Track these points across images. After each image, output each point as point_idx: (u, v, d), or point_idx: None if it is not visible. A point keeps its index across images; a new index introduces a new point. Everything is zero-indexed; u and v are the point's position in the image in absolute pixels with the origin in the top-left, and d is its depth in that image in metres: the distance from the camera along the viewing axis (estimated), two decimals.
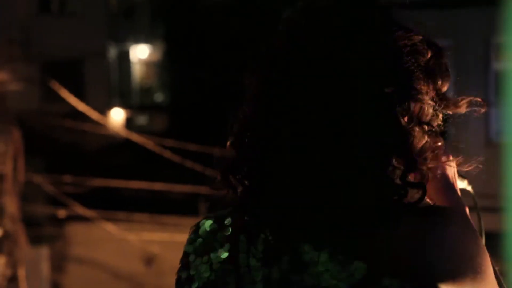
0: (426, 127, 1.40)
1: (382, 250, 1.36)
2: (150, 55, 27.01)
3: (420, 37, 1.41)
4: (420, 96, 1.39)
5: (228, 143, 1.47)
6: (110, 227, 13.03)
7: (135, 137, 10.70)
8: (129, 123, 24.17)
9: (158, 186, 12.69)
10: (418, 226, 1.36)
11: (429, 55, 1.40)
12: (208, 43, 22.41)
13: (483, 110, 1.45)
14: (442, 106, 1.42)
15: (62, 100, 14.48)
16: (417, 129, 1.38)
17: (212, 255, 1.44)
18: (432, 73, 1.41)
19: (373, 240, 1.36)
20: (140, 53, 26.96)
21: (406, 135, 1.37)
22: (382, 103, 1.37)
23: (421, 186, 1.37)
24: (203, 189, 11.65)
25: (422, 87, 1.39)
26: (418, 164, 1.38)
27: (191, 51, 23.11)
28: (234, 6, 22.65)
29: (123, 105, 25.28)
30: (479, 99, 1.44)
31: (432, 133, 1.40)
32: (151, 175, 13.76)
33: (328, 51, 1.37)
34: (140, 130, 19.18)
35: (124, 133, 15.81)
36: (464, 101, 1.45)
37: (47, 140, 19.12)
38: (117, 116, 24.38)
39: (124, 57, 26.36)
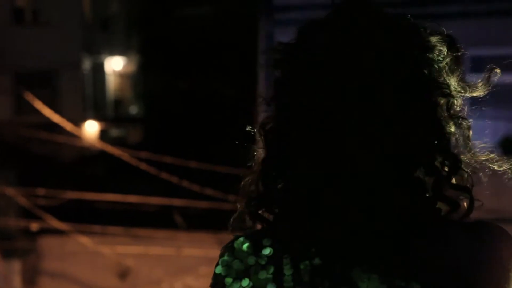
0: (458, 121, 1.37)
1: (435, 269, 1.31)
2: (125, 67, 26.89)
3: (438, 33, 1.41)
4: (447, 90, 1.38)
5: (251, 172, 1.43)
6: (84, 240, 12.89)
7: (110, 149, 10.59)
8: (104, 135, 24.02)
9: (132, 198, 12.57)
10: (471, 244, 1.33)
11: (447, 50, 1.41)
12: (183, 55, 22.34)
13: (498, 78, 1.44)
14: (464, 93, 1.43)
15: (36, 112, 14.33)
16: (452, 124, 1.36)
17: (253, 278, 1.37)
18: (452, 66, 1.41)
19: (424, 260, 1.31)
20: (115, 65, 26.83)
21: (447, 132, 1.34)
22: (419, 103, 1.35)
23: (467, 190, 1.34)
24: (178, 202, 11.56)
25: (447, 81, 1.40)
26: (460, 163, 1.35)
27: (166, 63, 23.04)
28: (209, 17, 22.60)
29: (97, 117, 25.12)
30: (493, 71, 1.43)
31: (463, 127, 1.38)
32: (125, 187, 13.64)
33: (359, 59, 1.34)
34: (114, 142, 19.04)
35: (99, 145, 15.67)
36: (481, 82, 1.44)
37: (20, 152, 18.94)
38: (91, 128, 24.22)
39: (98, 69, 26.22)
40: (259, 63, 12.11)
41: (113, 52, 26.57)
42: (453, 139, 1.39)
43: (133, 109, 26.97)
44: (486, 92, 1.44)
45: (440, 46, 1.41)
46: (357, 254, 1.32)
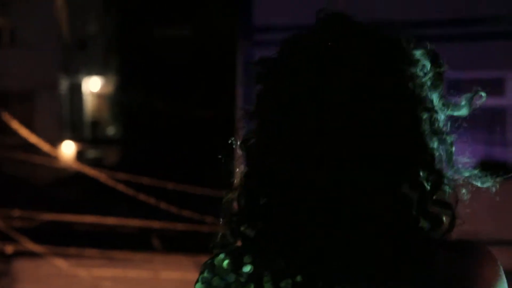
0: (441, 136, 1.36)
1: None
2: (102, 87, 26.86)
3: (422, 48, 1.41)
4: (430, 105, 1.37)
5: (231, 190, 1.42)
6: (60, 263, 12.78)
7: (87, 170, 10.53)
8: (81, 156, 23.93)
9: (110, 220, 12.50)
10: (455, 265, 1.32)
11: (430, 65, 1.41)
12: (162, 76, 22.36)
13: (482, 101, 1.43)
14: (446, 110, 1.42)
15: (13, 132, 14.24)
16: (435, 139, 1.34)
17: None
18: (435, 82, 1.41)
19: (408, 280, 1.30)
20: (93, 85, 26.80)
21: (430, 147, 1.33)
22: (402, 117, 1.34)
23: (449, 206, 1.32)
24: (155, 224, 11.49)
25: (429, 96, 1.39)
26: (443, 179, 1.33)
27: (144, 84, 23.03)
28: (188, 39, 22.65)
29: (74, 138, 25.05)
30: (479, 93, 1.42)
31: (446, 143, 1.37)
32: (103, 209, 13.59)
33: (341, 74, 1.34)
34: (91, 163, 18.97)
35: (76, 166, 15.62)
36: (464, 101, 1.44)
37: None
38: (68, 149, 24.14)
39: (76, 90, 26.18)
40: (238, 83, 12.09)
41: (91, 73, 26.54)
42: (436, 154, 1.37)
43: (111, 130, 26.92)
44: (468, 113, 1.45)
45: (424, 61, 1.40)
46: (340, 272, 1.30)
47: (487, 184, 1.43)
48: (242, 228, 1.39)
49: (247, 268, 1.36)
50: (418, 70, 1.38)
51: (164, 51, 22.71)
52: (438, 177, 1.35)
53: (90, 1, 25.58)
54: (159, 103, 22.19)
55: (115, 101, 26.07)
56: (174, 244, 12.50)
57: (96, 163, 19.93)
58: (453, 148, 1.40)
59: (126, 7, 24.31)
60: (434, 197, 1.34)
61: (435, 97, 1.39)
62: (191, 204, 10.36)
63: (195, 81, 21.19)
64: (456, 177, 1.40)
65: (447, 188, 1.37)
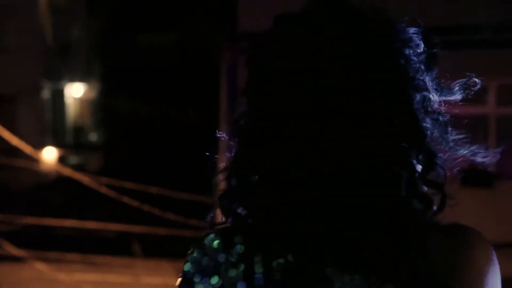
0: (435, 117, 1.34)
1: (411, 273, 1.28)
2: (85, 93, 26.78)
3: (415, 29, 1.40)
4: (424, 86, 1.36)
5: (223, 168, 1.40)
6: (40, 267, 12.71)
7: (69, 172, 10.48)
8: (63, 162, 23.82)
9: (91, 224, 12.44)
10: (446, 249, 1.31)
11: (423, 46, 1.39)
12: (145, 81, 22.32)
13: (475, 89, 1.42)
14: (439, 94, 1.41)
15: None
16: (428, 120, 1.33)
17: (222, 275, 1.33)
18: (428, 63, 1.40)
19: (400, 262, 1.28)
20: (75, 91, 26.71)
21: (422, 127, 1.31)
22: (394, 97, 1.33)
23: (440, 186, 1.31)
24: (137, 228, 11.45)
25: (423, 77, 1.38)
26: (437, 159, 1.33)
27: (127, 90, 22.99)
28: (172, 44, 22.62)
29: (56, 144, 24.94)
30: (471, 81, 1.42)
31: (441, 123, 1.36)
32: (85, 214, 13.55)
33: (334, 53, 1.33)
34: (73, 169, 18.89)
35: (59, 169, 15.56)
36: (457, 86, 1.43)
37: None
38: (50, 154, 24.03)
39: (58, 95, 26.08)
40: (222, 90, 12.08)
41: (73, 78, 26.45)
42: (429, 134, 1.36)
43: (93, 136, 26.83)
44: (461, 97, 1.44)
45: (417, 41, 1.39)
46: (332, 253, 1.29)
47: (486, 159, 1.42)
48: (232, 207, 1.38)
49: (237, 248, 1.35)
50: (411, 50, 1.37)
51: (147, 58, 22.68)
52: (430, 157, 1.34)
53: (73, 7, 25.51)
54: (142, 108, 22.14)
55: (98, 107, 25.99)
56: (156, 249, 12.46)
57: (78, 169, 19.84)
58: (448, 128, 1.39)
59: (110, 13, 24.27)
60: (426, 177, 1.33)
61: (428, 78, 1.38)
62: (175, 209, 10.33)
63: (179, 88, 21.16)
64: (453, 155, 1.39)
65: (440, 169, 1.36)
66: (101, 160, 23.95)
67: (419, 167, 1.33)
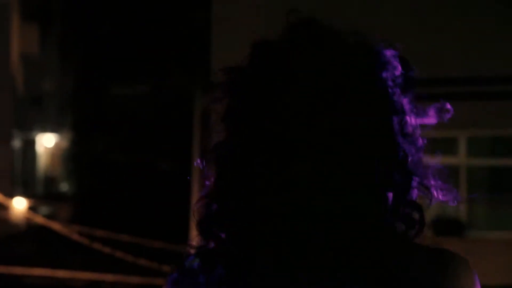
0: (411, 139, 1.35)
1: None
2: (56, 143, 26.64)
3: (392, 52, 1.40)
4: (401, 108, 1.37)
5: (204, 194, 1.38)
6: None
7: (40, 220, 10.39)
8: (33, 212, 23.58)
9: (61, 273, 12.28)
10: (432, 271, 1.31)
11: (400, 69, 1.39)
12: (116, 132, 22.25)
13: (448, 116, 1.43)
14: (415, 116, 1.41)
15: None
16: (404, 142, 1.33)
17: None
18: (405, 86, 1.40)
19: (386, 284, 1.28)
20: (47, 141, 26.57)
21: (402, 149, 1.31)
22: (375, 122, 1.33)
23: (418, 207, 1.31)
24: (109, 277, 11.32)
25: (400, 99, 1.38)
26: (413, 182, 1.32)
27: (98, 140, 22.90)
28: (144, 96, 22.62)
29: (26, 194, 24.71)
30: (445, 106, 1.43)
31: (416, 146, 1.36)
32: (54, 263, 13.37)
33: (314, 78, 1.33)
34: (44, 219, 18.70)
35: (30, 218, 15.39)
36: (432, 110, 1.43)
37: None
38: (19, 205, 23.79)
39: (29, 145, 25.92)
40: (195, 138, 12.09)
41: (45, 129, 26.34)
42: (407, 157, 1.37)
43: (64, 186, 26.63)
44: (436, 121, 1.45)
45: (394, 64, 1.39)
46: (314, 278, 1.28)
47: (448, 198, 1.43)
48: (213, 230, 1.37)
49: (218, 270, 1.33)
50: (389, 73, 1.38)
51: (120, 108, 22.65)
52: (409, 178, 1.35)
53: (46, 57, 25.51)
54: (114, 158, 22.04)
55: (69, 156, 25.85)
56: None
57: (48, 219, 19.65)
58: (421, 153, 1.40)
59: (83, 63, 24.29)
60: (406, 198, 1.34)
61: (405, 101, 1.39)
62: (148, 257, 10.23)
63: (151, 137, 21.12)
64: (423, 182, 1.39)
65: (416, 190, 1.36)
66: (71, 210, 23.75)
67: (400, 188, 1.34)
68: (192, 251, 1.38)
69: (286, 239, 1.28)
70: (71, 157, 25.54)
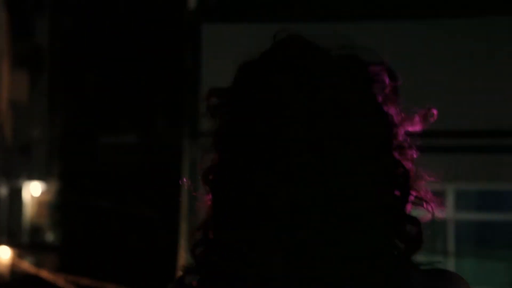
0: (404, 152, 1.36)
1: None
2: (43, 192, 26.52)
3: (379, 65, 1.41)
4: (391, 121, 1.38)
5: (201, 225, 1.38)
6: None
7: (26, 266, 10.29)
8: (18, 261, 23.38)
9: None
10: None
11: (387, 80, 1.41)
12: (103, 182, 22.20)
13: (432, 121, 1.44)
14: (403, 126, 1.41)
15: None
16: (396, 154, 1.34)
17: None
18: (392, 96, 1.41)
19: None
20: (33, 190, 26.45)
21: (397, 162, 1.32)
22: (368, 137, 1.33)
23: (416, 221, 1.31)
24: None
25: (389, 111, 1.39)
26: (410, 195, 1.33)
27: (87, 190, 22.83)
28: (130, 146, 22.62)
29: (12, 243, 24.52)
30: (430, 112, 1.41)
31: (407, 157, 1.37)
32: None
33: (303, 96, 1.31)
34: (27, 270, 18.54)
35: (15, 266, 15.27)
36: (417, 118, 1.45)
37: None
38: (4, 254, 23.59)
39: (16, 194, 25.80)
40: (183, 187, 12.07)
41: (32, 178, 26.23)
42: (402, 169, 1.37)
43: (50, 236, 26.46)
44: (422, 128, 1.47)
45: (382, 76, 1.40)
46: None
47: (437, 212, 1.43)
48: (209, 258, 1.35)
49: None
50: (377, 85, 1.37)
51: (108, 157, 22.62)
52: (407, 193, 1.35)
53: (35, 105, 25.52)
54: (102, 207, 21.97)
55: (56, 206, 25.73)
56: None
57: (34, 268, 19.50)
58: (412, 165, 1.40)
59: (72, 113, 24.32)
60: (404, 213, 1.34)
61: (394, 112, 1.40)
62: None
63: (139, 186, 21.08)
64: (419, 195, 1.40)
65: (412, 204, 1.36)
66: (57, 259, 23.58)
67: (399, 203, 1.34)
68: (189, 270, 1.38)
69: (287, 266, 1.27)
70: (58, 206, 25.43)
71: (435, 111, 1.46)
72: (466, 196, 12.92)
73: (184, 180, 12.30)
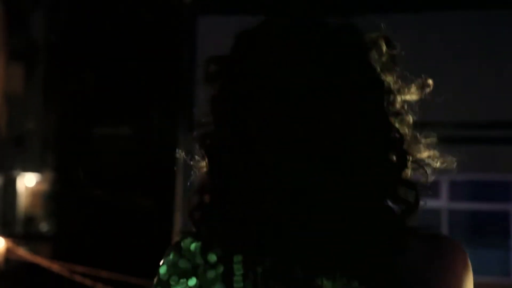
0: (400, 117, 1.39)
1: (392, 276, 1.30)
2: (37, 184, 26.47)
3: (376, 33, 1.45)
4: (388, 87, 1.41)
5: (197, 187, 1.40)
6: None
7: (22, 253, 10.29)
8: (11, 252, 23.32)
9: None
10: (427, 254, 1.33)
11: (385, 49, 1.44)
12: (98, 173, 22.16)
13: (428, 90, 1.48)
14: (401, 94, 1.45)
15: None
16: (394, 120, 1.37)
17: (200, 277, 1.29)
18: (389, 65, 1.44)
19: (383, 268, 1.29)
20: (28, 181, 26.39)
21: (395, 128, 1.35)
22: (365, 102, 1.36)
23: (413, 185, 1.34)
24: None
25: (386, 78, 1.41)
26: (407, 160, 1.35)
27: (79, 182, 22.78)
28: (124, 137, 22.57)
29: (5, 234, 24.47)
30: (426, 81, 1.47)
31: (406, 123, 1.40)
32: None
33: (300, 65, 1.32)
34: (22, 259, 18.52)
35: (11, 250, 15.24)
36: (414, 87, 1.48)
37: None
38: None
39: (10, 185, 25.73)
40: (178, 176, 12.06)
41: (26, 169, 26.17)
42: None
43: (44, 226, 26.42)
44: (419, 97, 1.48)
45: (379, 44, 1.43)
46: (312, 258, 1.28)
47: (445, 164, 1.44)
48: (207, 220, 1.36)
49: (216, 251, 1.33)
50: (375, 54, 1.42)
51: (102, 148, 22.58)
52: (404, 157, 1.35)
53: (30, 97, 25.47)
54: (96, 198, 21.93)
55: (50, 197, 25.68)
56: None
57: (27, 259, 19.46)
58: (411, 130, 1.42)
59: (66, 104, 24.27)
60: (401, 177, 1.35)
61: (391, 80, 1.39)
62: None
63: (133, 177, 21.05)
64: (417, 157, 1.41)
65: (410, 168, 1.38)
66: (51, 249, 23.53)
67: (395, 167, 1.34)
68: (187, 234, 1.37)
69: (282, 225, 1.29)
70: (52, 197, 25.39)
71: (430, 82, 1.48)
72: (459, 186, 12.96)
73: (179, 169, 12.26)
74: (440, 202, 12.43)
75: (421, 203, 1.39)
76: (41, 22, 25.10)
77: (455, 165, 1.43)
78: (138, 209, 19.85)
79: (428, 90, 1.47)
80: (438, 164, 1.45)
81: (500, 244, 11.89)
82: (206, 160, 1.41)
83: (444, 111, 11.66)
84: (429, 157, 1.44)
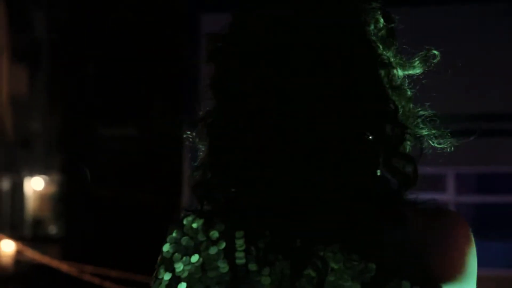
0: (400, 91, 1.38)
1: (391, 250, 1.31)
2: (45, 186, 26.53)
3: (374, 5, 1.45)
4: (386, 61, 1.39)
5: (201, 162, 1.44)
6: None
7: (31, 254, 10.32)
8: (20, 255, 23.40)
9: None
10: (429, 227, 1.34)
11: (382, 22, 1.44)
12: (105, 174, 22.21)
13: (434, 61, 1.45)
14: (402, 69, 1.44)
15: None
16: (394, 94, 1.36)
17: (203, 253, 1.32)
18: (388, 39, 1.44)
19: (381, 240, 1.30)
20: (35, 184, 26.46)
21: (392, 101, 1.35)
22: (363, 75, 1.37)
23: (410, 159, 1.34)
24: None
25: (386, 53, 1.41)
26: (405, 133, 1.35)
27: (86, 183, 22.83)
28: (130, 137, 22.61)
29: (14, 237, 24.54)
30: (430, 54, 1.47)
31: (405, 97, 1.39)
32: None
33: (298, 36, 1.33)
34: (31, 262, 18.59)
35: (20, 251, 15.31)
36: (417, 61, 1.48)
37: None
38: (7, 248, 23.61)
39: (17, 188, 25.79)
40: (184, 176, 12.08)
41: (33, 172, 26.23)
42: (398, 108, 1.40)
43: (52, 229, 26.47)
44: (422, 71, 1.48)
45: (377, 17, 1.43)
46: (313, 232, 1.29)
47: (444, 145, 1.44)
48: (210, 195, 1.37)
49: (218, 227, 1.35)
50: (372, 26, 1.39)
51: (109, 149, 22.63)
52: (401, 130, 1.36)
53: (35, 99, 25.52)
54: (103, 198, 21.98)
55: (58, 199, 25.74)
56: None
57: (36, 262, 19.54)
58: (411, 105, 1.42)
59: (72, 105, 24.32)
60: (398, 151, 1.35)
61: (390, 54, 1.41)
62: None
63: (140, 176, 21.10)
64: (415, 132, 1.41)
65: (408, 142, 1.38)
66: (60, 251, 23.60)
67: (392, 140, 1.34)
68: (189, 212, 1.39)
69: (283, 199, 1.31)
70: (60, 199, 25.45)
71: (436, 52, 1.47)
72: (465, 179, 12.96)
73: (186, 168, 12.29)
74: (447, 195, 12.43)
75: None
76: (44, 22, 25.15)
77: (453, 148, 1.42)
78: (146, 208, 19.90)
79: (434, 61, 1.46)
80: (436, 143, 1.44)
81: (508, 236, 11.89)
82: (208, 137, 1.42)
83: (453, 103, 11.65)
84: (428, 135, 1.44)
